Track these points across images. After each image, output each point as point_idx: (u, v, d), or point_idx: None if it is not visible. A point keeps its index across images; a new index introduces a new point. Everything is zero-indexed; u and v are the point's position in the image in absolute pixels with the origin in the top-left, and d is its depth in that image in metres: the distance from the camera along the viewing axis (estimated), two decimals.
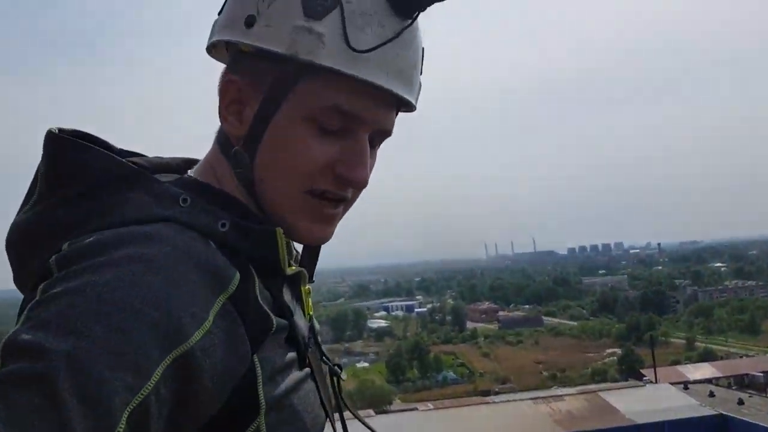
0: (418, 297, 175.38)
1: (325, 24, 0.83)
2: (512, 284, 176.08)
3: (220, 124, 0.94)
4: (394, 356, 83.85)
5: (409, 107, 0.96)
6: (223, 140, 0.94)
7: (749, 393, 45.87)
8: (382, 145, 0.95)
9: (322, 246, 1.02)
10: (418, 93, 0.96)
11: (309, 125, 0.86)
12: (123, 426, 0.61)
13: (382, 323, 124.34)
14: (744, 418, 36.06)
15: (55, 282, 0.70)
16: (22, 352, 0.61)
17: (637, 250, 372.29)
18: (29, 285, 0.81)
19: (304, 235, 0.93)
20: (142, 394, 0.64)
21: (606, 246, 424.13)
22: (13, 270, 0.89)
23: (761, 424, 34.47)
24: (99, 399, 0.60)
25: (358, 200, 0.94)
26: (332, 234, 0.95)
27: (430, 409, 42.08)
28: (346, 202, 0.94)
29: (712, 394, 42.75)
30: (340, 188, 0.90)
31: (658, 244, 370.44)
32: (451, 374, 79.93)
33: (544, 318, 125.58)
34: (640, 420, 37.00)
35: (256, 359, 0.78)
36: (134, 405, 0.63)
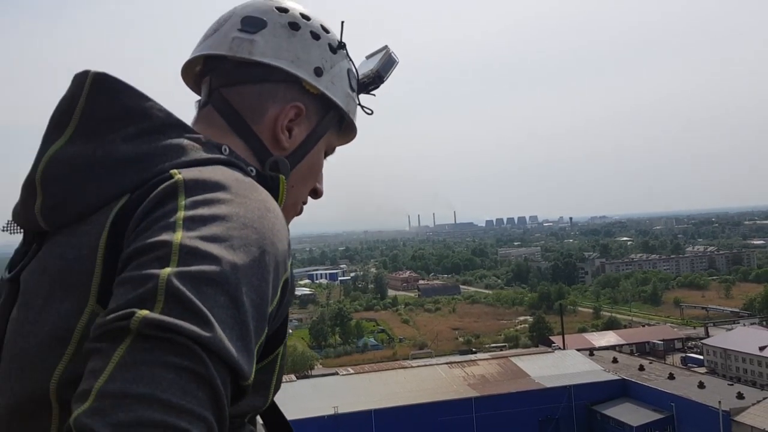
0: (342, 265, 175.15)
1: (355, 96, 1.24)
2: (433, 254, 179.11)
3: (245, 123, 1.11)
4: (317, 323, 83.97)
5: None
6: (255, 142, 1.10)
7: (649, 360, 48.61)
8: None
9: None
10: None
11: (323, 156, 1.21)
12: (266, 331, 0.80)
13: (306, 291, 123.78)
14: (643, 383, 38.46)
15: (198, 203, 0.82)
16: (201, 258, 0.74)
17: (551, 224, 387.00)
18: (71, 216, 0.90)
19: None
20: (273, 305, 0.82)
21: (522, 219, 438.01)
22: (46, 203, 0.92)
23: (658, 388, 36.91)
24: (262, 309, 0.78)
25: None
26: None
27: (350, 374, 42.74)
28: None
29: (615, 360, 45.14)
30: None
31: (570, 218, 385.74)
32: (371, 340, 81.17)
33: (462, 287, 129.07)
34: (548, 384, 38.99)
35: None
36: (270, 313, 0.82)
